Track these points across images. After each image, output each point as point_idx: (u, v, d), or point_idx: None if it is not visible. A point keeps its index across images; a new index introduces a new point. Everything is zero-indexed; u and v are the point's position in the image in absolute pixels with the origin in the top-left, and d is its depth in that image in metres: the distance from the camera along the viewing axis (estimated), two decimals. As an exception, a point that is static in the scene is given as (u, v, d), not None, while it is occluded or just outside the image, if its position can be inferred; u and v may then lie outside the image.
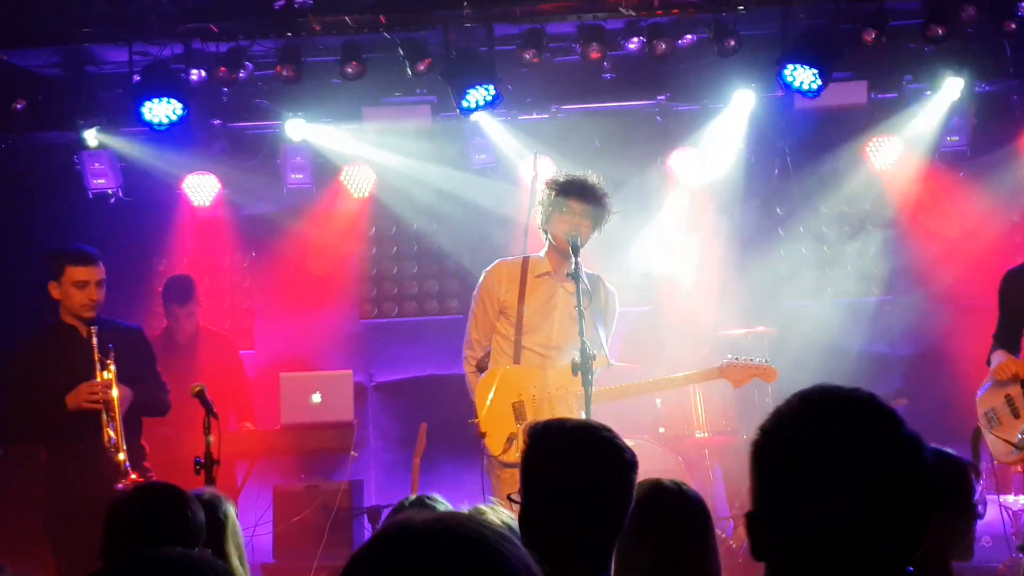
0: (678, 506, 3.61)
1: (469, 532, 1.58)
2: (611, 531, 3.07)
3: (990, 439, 7.15)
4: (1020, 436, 7.00)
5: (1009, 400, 7.12)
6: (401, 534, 1.58)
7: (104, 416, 6.41)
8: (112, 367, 6.46)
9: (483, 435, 6.66)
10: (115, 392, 6.46)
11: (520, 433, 6.47)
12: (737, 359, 7.04)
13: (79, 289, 6.51)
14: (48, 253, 6.72)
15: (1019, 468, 7.81)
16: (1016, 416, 7.07)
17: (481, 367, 6.90)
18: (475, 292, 7.01)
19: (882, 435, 2.00)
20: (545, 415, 6.36)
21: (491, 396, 6.67)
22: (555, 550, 2.97)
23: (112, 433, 6.40)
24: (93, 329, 6.49)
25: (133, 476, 6.32)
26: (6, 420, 6.75)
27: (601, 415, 6.74)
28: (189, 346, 8.92)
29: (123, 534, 3.80)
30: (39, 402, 6.51)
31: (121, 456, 6.38)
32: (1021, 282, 7.29)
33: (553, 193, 6.70)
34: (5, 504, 7.99)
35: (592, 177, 6.74)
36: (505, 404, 6.67)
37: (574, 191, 6.66)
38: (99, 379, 6.45)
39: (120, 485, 6.16)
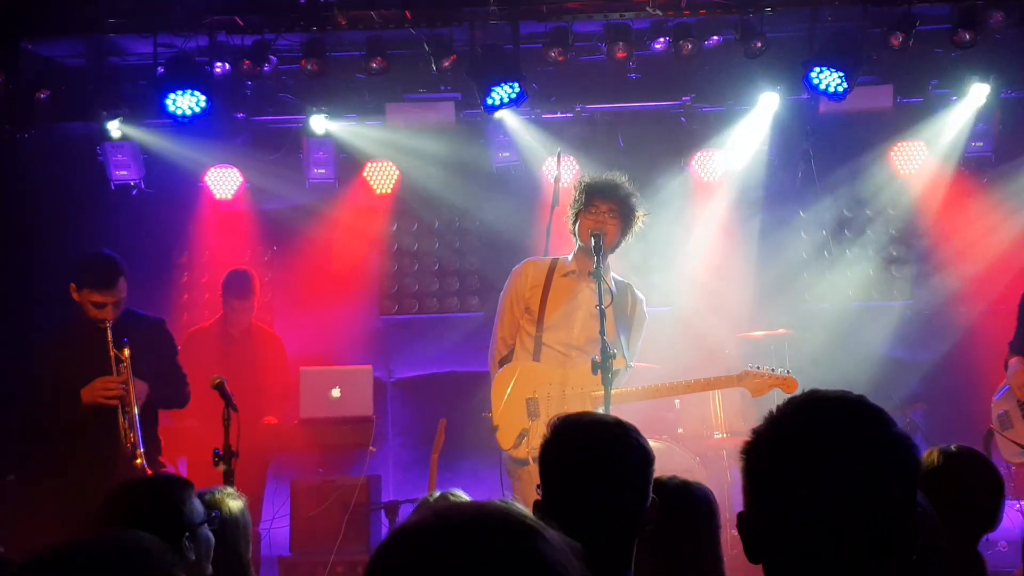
0: (683, 503, 3.59)
1: (509, 524, 1.56)
2: (630, 526, 3.05)
3: (1001, 441, 7.22)
4: None
5: (1022, 405, 7.19)
6: (436, 524, 1.57)
7: (120, 411, 6.42)
8: (127, 361, 6.47)
9: (495, 429, 6.65)
10: (131, 388, 6.46)
11: (532, 429, 6.46)
12: (758, 368, 6.94)
13: (95, 307, 6.55)
14: (77, 262, 6.70)
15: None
16: None
17: (504, 364, 6.88)
18: (503, 290, 7.00)
19: (871, 433, 2.04)
20: (558, 412, 6.32)
21: (508, 391, 6.66)
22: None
23: (128, 429, 6.40)
24: (107, 323, 6.50)
25: (149, 473, 6.30)
26: (28, 419, 6.74)
27: (620, 415, 6.76)
28: (243, 341, 8.94)
29: (113, 523, 3.75)
30: (57, 399, 6.53)
31: (138, 451, 6.36)
32: None
33: (581, 193, 6.69)
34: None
35: (620, 178, 6.72)
36: (519, 400, 6.65)
37: (600, 190, 6.65)
38: (114, 375, 6.47)
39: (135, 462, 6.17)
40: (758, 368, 6.93)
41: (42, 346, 6.89)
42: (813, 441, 2.02)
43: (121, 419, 6.38)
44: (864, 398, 2.08)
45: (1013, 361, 7.34)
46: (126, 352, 6.48)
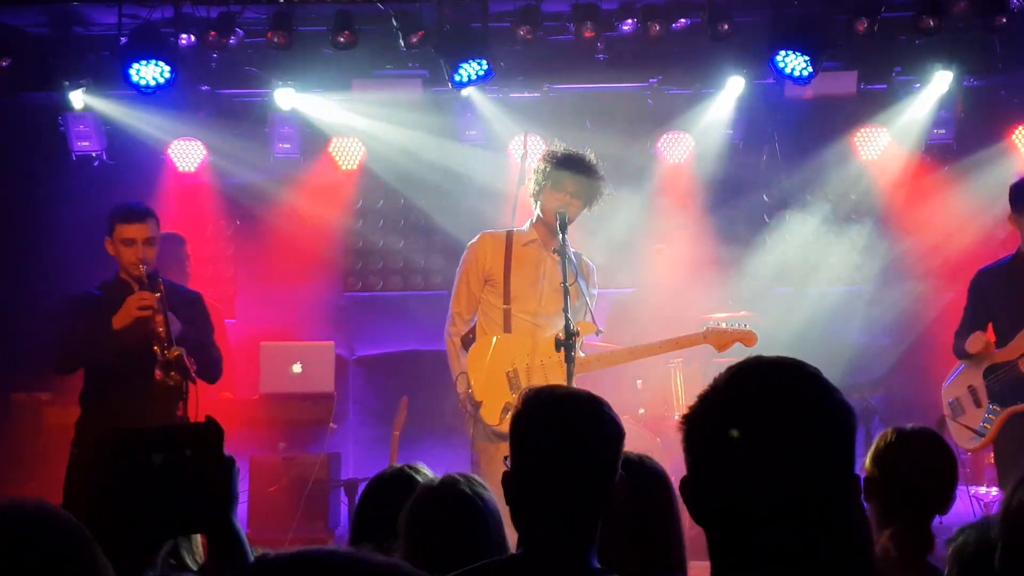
0: (650, 480, 3.59)
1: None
2: (598, 500, 3.05)
3: (953, 427, 7.27)
4: (982, 423, 7.11)
5: (972, 390, 7.24)
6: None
7: (156, 337, 6.24)
8: (163, 296, 6.34)
9: (478, 404, 6.60)
10: (166, 308, 6.31)
11: (515, 403, 6.43)
12: (720, 324, 7.11)
13: (127, 247, 6.41)
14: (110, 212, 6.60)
15: (991, 459, 7.88)
16: (978, 405, 7.20)
17: (465, 343, 6.86)
18: (459, 266, 6.97)
19: (812, 396, 2.01)
20: (539, 383, 6.31)
21: (486, 365, 6.64)
22: (542, 518, 2.96)
23: (164, 341, 6.22)
24: (143, 268, 6.37)
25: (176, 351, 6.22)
26: (59, 352, 6.58)
27: (585, 387, 6.78)
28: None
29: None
30: (89, 330, 6.37)
31: (174, 351, 6.22)
32: (989, 282, 7.33)
33: (548, 166, 6.68)
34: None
35: (589, 155, 6.73)
36: (499, 373, 6.64)
37: (570, 167, 6.65)
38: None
39: (159, 372, 6.13)
40: (720, 324, 7.09)
41: (75, 294, 6.75)
42: (755, 404, 2.01)
43: (159, 329, 6.23)
44: (802, 362, 2.05)
45: (975, 335, 7.27)
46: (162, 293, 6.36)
